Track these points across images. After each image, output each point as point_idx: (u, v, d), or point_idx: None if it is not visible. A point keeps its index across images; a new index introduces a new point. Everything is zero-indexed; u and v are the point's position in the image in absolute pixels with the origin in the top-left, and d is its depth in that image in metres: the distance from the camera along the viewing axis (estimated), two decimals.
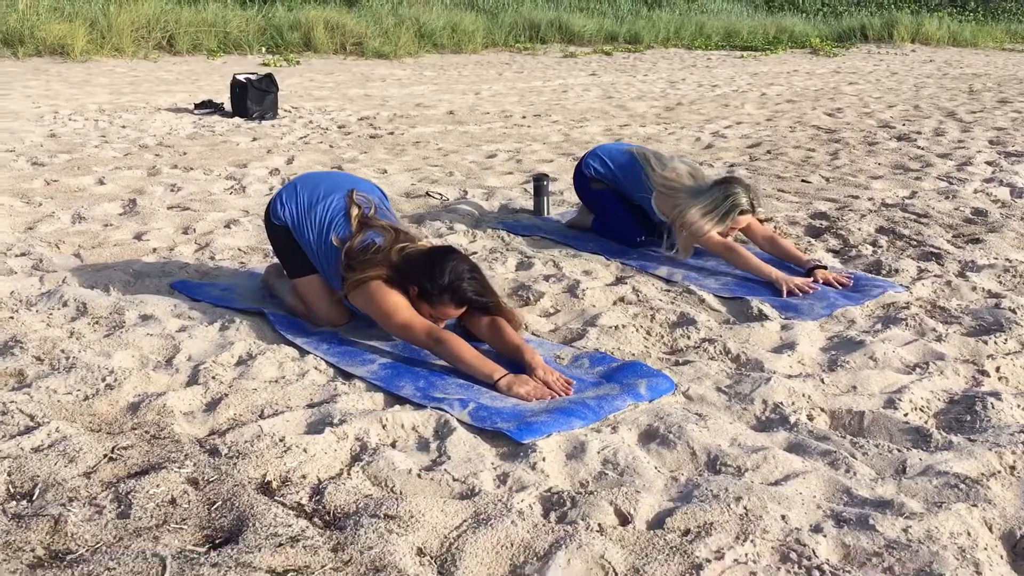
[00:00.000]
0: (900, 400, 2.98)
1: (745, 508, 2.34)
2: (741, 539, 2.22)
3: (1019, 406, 2.94)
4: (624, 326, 3.59)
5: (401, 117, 9.44)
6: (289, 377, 3.10)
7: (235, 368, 3.14)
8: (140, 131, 8.26)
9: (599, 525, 2.26)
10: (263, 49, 17.49)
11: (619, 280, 4.17)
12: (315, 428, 2.69)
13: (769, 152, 7.54)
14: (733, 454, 2.63)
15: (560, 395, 2.96)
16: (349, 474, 2.47)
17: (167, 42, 17.13)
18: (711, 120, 9.46)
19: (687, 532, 2.26)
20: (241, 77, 9.25)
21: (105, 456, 2.49)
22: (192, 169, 6.54)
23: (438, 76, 14.42)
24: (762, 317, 3.75)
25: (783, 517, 2.32)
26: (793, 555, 2.17)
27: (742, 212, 4.18)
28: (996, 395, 2.99)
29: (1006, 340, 3.46)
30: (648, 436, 2.76)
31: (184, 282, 3.99)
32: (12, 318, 3.54)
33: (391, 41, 18.27)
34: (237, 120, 9.03)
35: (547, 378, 3.00)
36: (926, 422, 2.90)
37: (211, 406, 2.85)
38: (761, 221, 4.48)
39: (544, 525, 2.26)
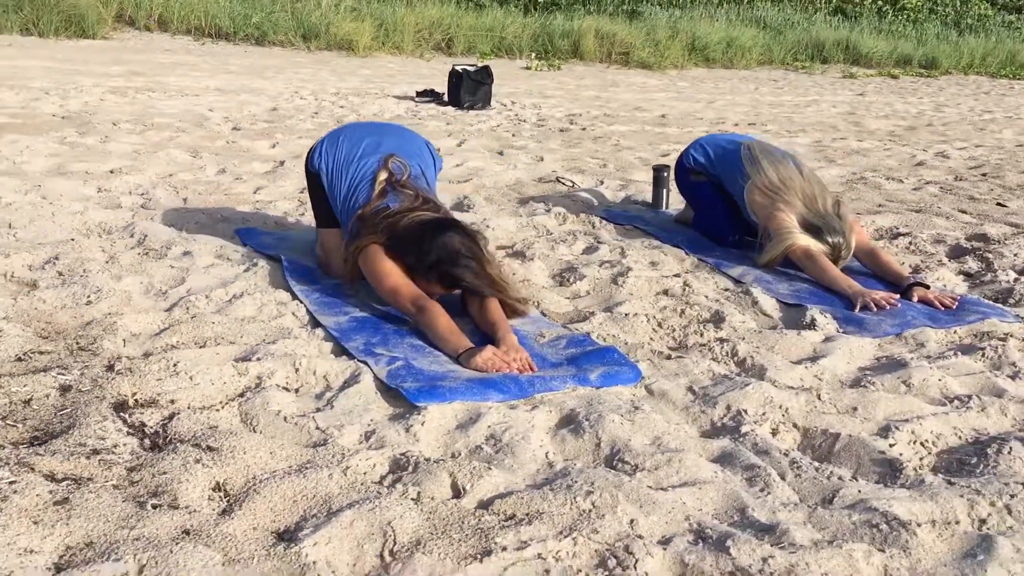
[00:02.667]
0: (898, 430, 2.49)
1: (593, 504, 2.03)
2: (563, 535, 1.92)
3: None
4: (637, 315, 3.26)
5: (608, 116, 9.29)
6: (260, 318, 3.07)
7: (218, 303, 3.17)
8: (351, 111, 8.67)
9: (418, 494, 2.04)
10: (532, 54, 17.88)
11: (679, 274, 3.81)
12: (226, 363, 2.64)
13: (984, 174, 6.68)
14: (641, 452, 2.30)
15: (521, 371, 2.73)
16: (221, 408, 2.40)
17: (445, 44, 17.94)
18: (947, 141, 8.54)
19: (511, 517, 1.99)
20: (459, 68, 9.48)
21: (16, 356, 2.57)
22: None
23: (690, 87, 14.11)
24: (811, 326, 3.29)
25: (632, 522, 1.99)
26: (612, 562, 1.85)
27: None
28: None
29: None
30: (564, 421, 2.47)
31: (248, 229, 4.10)
32: (73, 240, 3.78)
33: (659, 52, 18.13)
34: (448, 108, 9.26)
35: (508, 355, 2.78)
36: (917, 457, 2.40)
37: (160, 333, 2.88)
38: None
39: (360, 485, 2.07)
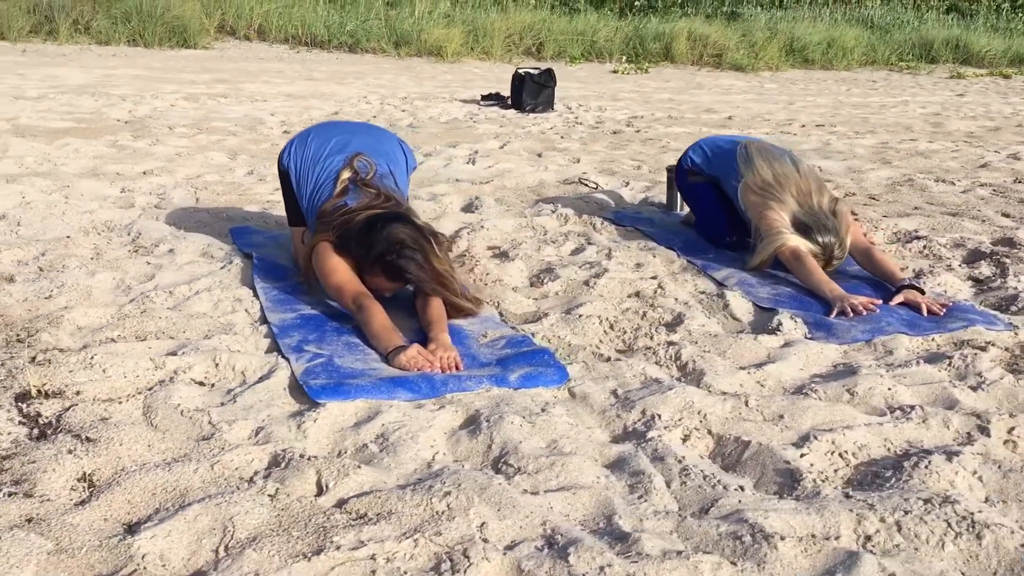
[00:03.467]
0: (818, 439, 2.36)
1: (447, 506, 1.99)
2: (406, 536, 1.88)
3: (974, 474, 2.22)
4: (592, 316, 3.19)
5: (671, 119, 9.14)
6: (211, 314, 3.12)
7: (177, 299, 3.23)
8: (410, 115, 8.75)
9: (276, 490, 2.03)
10: (622, 58, 17.75)
11: (655, 276, 3.70)
12: (146, 357, 2.68)
13: None
14: (528, 455, 2.24)
15: (444, 370, 2.70)
16: (125, 401, 2.44)
17: (536, 48, 17.97)
18: None
19: (360, 516, 1.96)
20: (521, 71, 9.47)
21: None
22: (415, 146, 6.79)
23: (778, 88, 13.78)
24: (776, 331, 3.16)
25: (482, 525, 1.94)
26: (446, 565, 1.81)
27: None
28: (955, 454, 2.27)
29: None
30: (467, 422, 2.43)
31: (241, 228, 4.17)
32: (69, 237, 3.92)
33: (754, 54, 17.78)
34: (509, 111, 9.26)
35: (435, 355, 2.74)
36: (831, 469, 2.27)
37: (105, 327, 2.94)
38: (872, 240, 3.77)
39: (224, 480, 2.07)
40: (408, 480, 2.13)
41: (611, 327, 3.14)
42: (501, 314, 3.28)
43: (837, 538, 1.95)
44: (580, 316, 3.18)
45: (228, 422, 2.34)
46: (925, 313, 3.30)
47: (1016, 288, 3.63)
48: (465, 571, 1.78)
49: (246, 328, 3.00)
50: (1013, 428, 2.47)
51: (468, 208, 4.81)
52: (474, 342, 2.95)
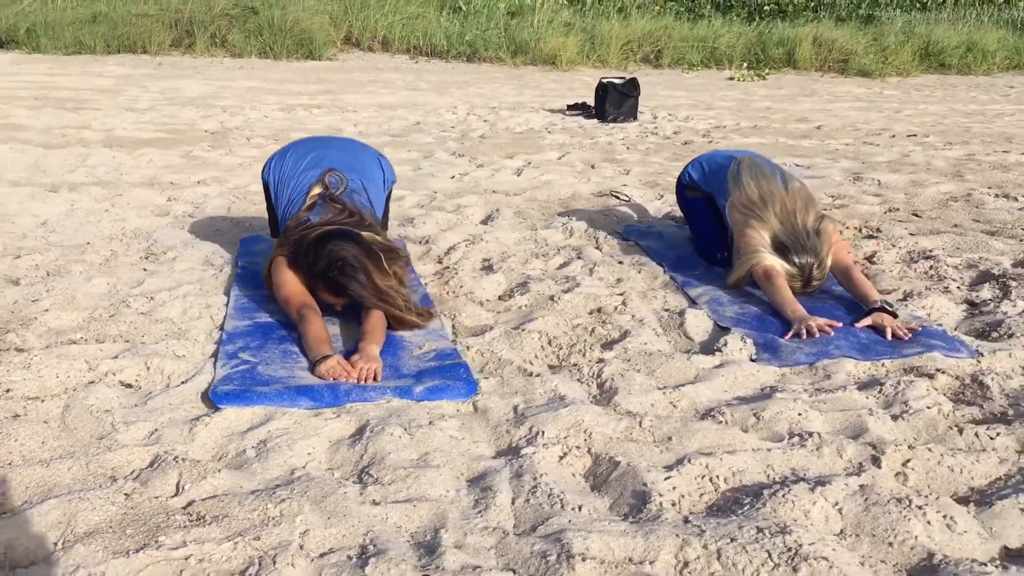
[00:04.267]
0: (691, 463, 2.34)
1: (280, 512, 2.09)
2: (228, 539, 1.99)
3: (835, 505, 2.17)
4: (534, 332, 3.22)
5: (755, 128, 8.95)
6: (175, 319, 3.30)
7: (152, 305, 3.42)
8: (490, 125, 8.89)
9: (133, 489, 2.18)
10: (743, 64, 17.43)
11: (623, 292, 3.69)
12: (85, 359, 2.87)
13: None
14: (393, 466, 2.31)
15: (358, 381, 2.79)
16: (47, 400, 2.63)
17: (654, 55, 17.87)
18: None
19: (199, 518, 2.08)
20: (604, 80, 9.46)
21: None
22: (462, 156, 6.93)
23: (898, 94, 13.31)
24: (718, 351, 3.13)
25: (304, 532, 2.03)
26: (253, 568, 1.92)
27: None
28: (823, 484, 2.23)
29: (997, 435, 2.53)
30: (355, 432, 2.52)
31: (252, 237, 4.37)
32: (89, 243, 4.21)
33: (884, 59, 17.16)
34: (590, 121, 9.28)
35: (355, 365, 2.85)
36: (697, 493, 2.26)
37: (71, 329, 3.16)
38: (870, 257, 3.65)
39: (92, 478, 2.23)
40: (263, 486, 2.23)
41: (549, 343, 3.17)
42: (454, 327, 3.36)
43: (652, 562, 1.95)
44: (524, 331, 3.22)
45: (128, 423, 2.50)
46: (889, 336, 3.20)
47: (1006, 313, 3.47)
48: (268, 575, 1.88)
49: (201, 335, 3.17)
50: (909, 460, 2.40)
51: (486, 220, 4.89)
52: (407, 354, 3.03)
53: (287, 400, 2.63)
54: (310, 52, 16.64)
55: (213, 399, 2.61)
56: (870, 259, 4.20)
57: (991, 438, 2.54)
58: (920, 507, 2.14)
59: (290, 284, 3.20)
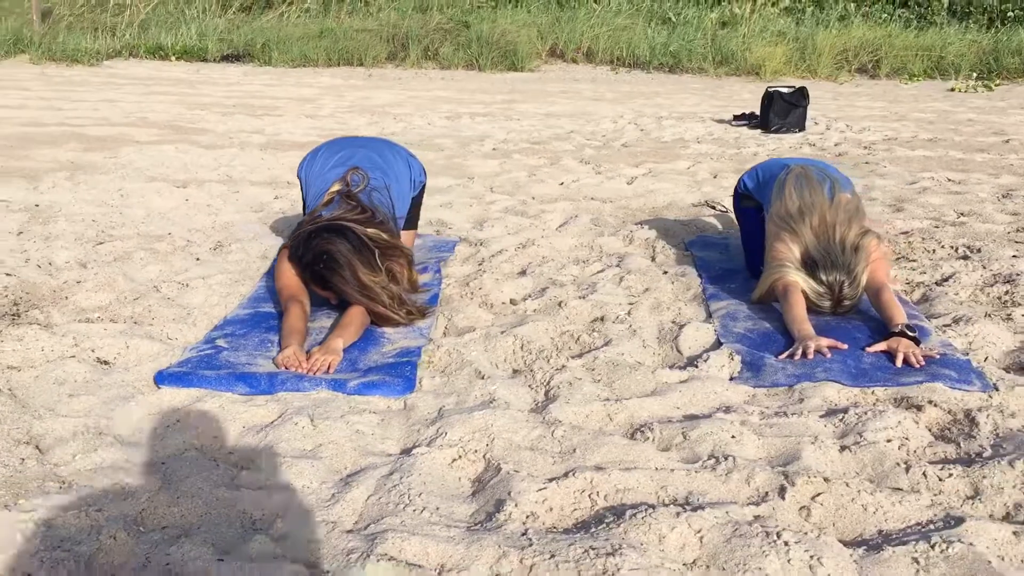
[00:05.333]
0: (575, 476, 2.25)
1: (135, 487, 2.19)
2: (75, 508, 2.10)
3: (697, 532, 2.01)
4: (512, 337, 3.15)
5: (930, 142, 8.30)
6: (193, 306, 3.47)
7: (181, 291, 3.61)
8: (645, 134, 8.74)
9: (32, 454, 2.33)
10: (973, 74, 16.20)
11: (640, 303, 3.54)
12: (87, 336, 3.08)
13: None
14: (276, 455, 2.36)
15: (309, 372, 2.85)
16: (23, 370, 2.83)
17: (872, 65, 16.97)
18: None
19: (66, 486, 2.21)
20: (771, 89, 9.05)
21: None
22: (587, 163, 6.85)
23: None
24: (693, 366, 2.95)
25: (145, 509, 2.11)
26: (81, 536, 2.02)
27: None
28: (696, 510, 2.07)
29: (950, 476, 2.26)
30: (272, 420, 2.56)
31: None
32: (170, 234, 4.50)
33: None
34: (751, 131, 8.93)
35: (312, 356, 2.91)
36: (568, 509, 2.17)
37: (96, 309, 3.40)
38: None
39: (2, 443, 2.41)
40: (143, 462, 2.33)
41: (522, 348, 3.10)
42: (446, 328, 3.35)
43: (463, 571, 1.90)
44: (506, 335, 3.17)
45: (74, 396, 2.67)
46: (899, 363, 2.90)
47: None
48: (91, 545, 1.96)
49: (204, 320, 3.33)
50: (820, 494, 2.19)
51: (562, 225, 4.82)
52: (376, 350, 3.05)
53: (224, 385, 2.71)
54: (513, 64, 16.98)
55: (156, 379, 2.73)
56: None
57: (940, 479, 2.27)
58: (787, 544, 1.95)
59: (286, 276, 3.30)
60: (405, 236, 3.78)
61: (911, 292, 3.73)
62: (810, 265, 3.31)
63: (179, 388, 2.71)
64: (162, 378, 2.74)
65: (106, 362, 2.96)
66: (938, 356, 2.95)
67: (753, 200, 3.89)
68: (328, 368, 2.85)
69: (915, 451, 2.45)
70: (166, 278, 3.78)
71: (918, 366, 2.88)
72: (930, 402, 2.66)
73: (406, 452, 2.40)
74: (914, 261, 4.11)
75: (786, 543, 1.95)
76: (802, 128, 8.97)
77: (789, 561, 1.90)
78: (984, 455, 2.39)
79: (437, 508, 2.14)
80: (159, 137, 7.68)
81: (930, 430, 2.56)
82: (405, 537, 1.96)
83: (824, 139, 8.45)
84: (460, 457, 2.38)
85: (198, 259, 4.07)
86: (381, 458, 2.36)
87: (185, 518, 2.07)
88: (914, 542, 1.97)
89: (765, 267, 3.44)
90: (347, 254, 3.18)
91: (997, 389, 2.75)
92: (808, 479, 2.21)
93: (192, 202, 5.24)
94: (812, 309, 3.36)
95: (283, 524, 2.05)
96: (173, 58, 16.45)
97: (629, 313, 3.41)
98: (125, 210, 4.98)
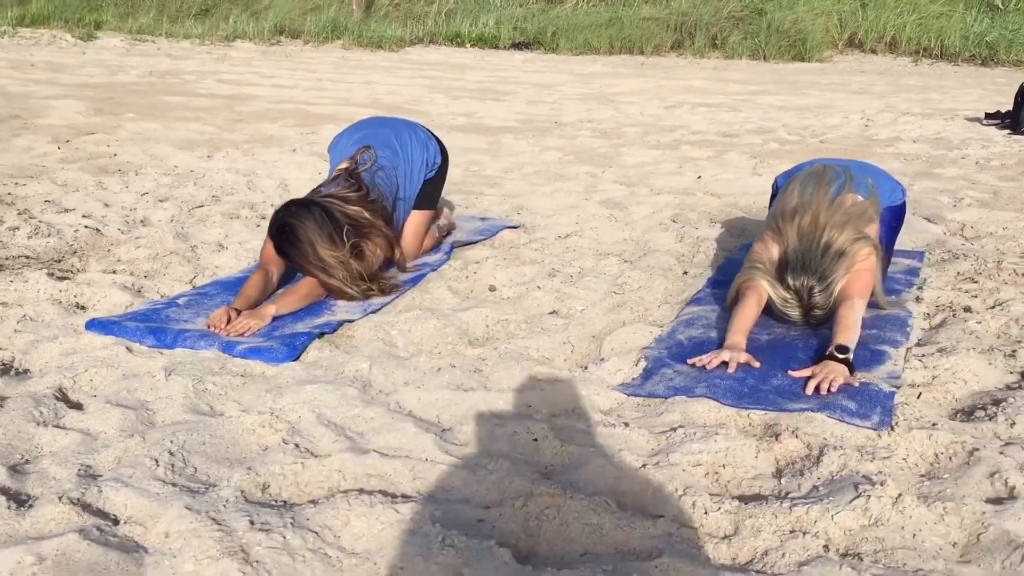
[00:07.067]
0: (336, 457, 2.27)
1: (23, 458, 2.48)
2: None
3: (377, 519, 1.99)
4: (447, 320, 3.15)
5: None
6: (207, 268, 3.78)
7: (213, 253, 3.94)
8: (856, 129, 8.09)
9: None
10: None
11: (608, 302, 3.37)
12: (82, 283, 3.46)
13: None
14: (107, 402, 2.56)
15: (227, 333, 3.03)
16: (10, 307, 3.27)
17: None
18: None
19: None
20: None
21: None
22: (755, 158, 6.48)
23: None
24: (583, 368, 2.82)
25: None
26: None
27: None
28: (401, 500, 2.04)
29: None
30: (148, 371, 2.77)
31: None
32: (264, 202, 4.86)
33: None
34: (1000, 131, 7.95)
35: (237, 318, 3.09)
36: (318, 485, 2.21)
37: (128, 261, 3.80)
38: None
39: None
40: (9, 395, 2.61)
41: (441, 332, 3.09)
42: (404, 307, 3.40)
43: (142, 524, 1.99)
44: (435, 318, 3.18)
45: (19, 333, 3.02)
46: (808, 389, 2.61)
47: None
48: None
49: (202, 280, 3.62)
50: (549, 508, 2.06)
51: (637, 220, 4.66)
52: (308, 320, 3.17)
53: (137, 336, 2.97)
54: (800, 53, 16.22)
55: (86, 325, 3.03)
56: None
57: (706, 512, 2.07)
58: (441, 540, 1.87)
59: (266, 247, 3.50)
60: (417, 216, 3.86)
61: (933, 316, 3.26)
62: (781, 267, 3.02)
63: (101, 335, 2.98)
64: (90, 324, 3.03)
65: (83, 307, 3.31)
66: (857, 385, 2.60)
67: None
68: (247, 331, 3.01)
69: (727, 481, 2.21)
70: (213, 240, 4.12)
71: (824, 393, 2.56)
72: (794, 432, 2.38)
73: (222, 414, 2.50)
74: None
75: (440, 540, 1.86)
76: None
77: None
78: (791, 495, 2.12)
79: (190, 467, 2.23)
80: (367, 116, 8.20)
81: (757, 459, 2.29)
82: (116, 487, 2.08)
83: None
84: (265, 425, 2.45)
85: (258, 226, 4.38)
86: (194, 416, 2.49)
87: None
88: (592, 565, 1.82)
89: (741, 268, 3.17)
90: (309, 227, 3.31)
91: (892, 429, 2.38)
92: (552, 494, 2.07)
93: (320, 177, 5.60)
94: (781, 319, 3.08)
95: (47, 461, 2.23)
96: (468, 45, 17.28)
97: (583, 310, 3.28)
98: (256, 180, 5.43)
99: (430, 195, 3.95)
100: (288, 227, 3.34)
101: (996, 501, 2.08)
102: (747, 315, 2.96)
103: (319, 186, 3.70)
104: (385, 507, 2.01)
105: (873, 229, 3.16)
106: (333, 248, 3.32)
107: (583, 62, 15.06)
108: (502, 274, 3.71)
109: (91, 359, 2.81)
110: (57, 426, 2.42)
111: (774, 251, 3.10)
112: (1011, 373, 2.77)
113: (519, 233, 4.34)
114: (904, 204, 3.57)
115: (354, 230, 3.41)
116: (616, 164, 6.21)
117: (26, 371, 2.79)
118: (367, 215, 3.50)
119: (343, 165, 3.73)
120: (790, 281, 2.99)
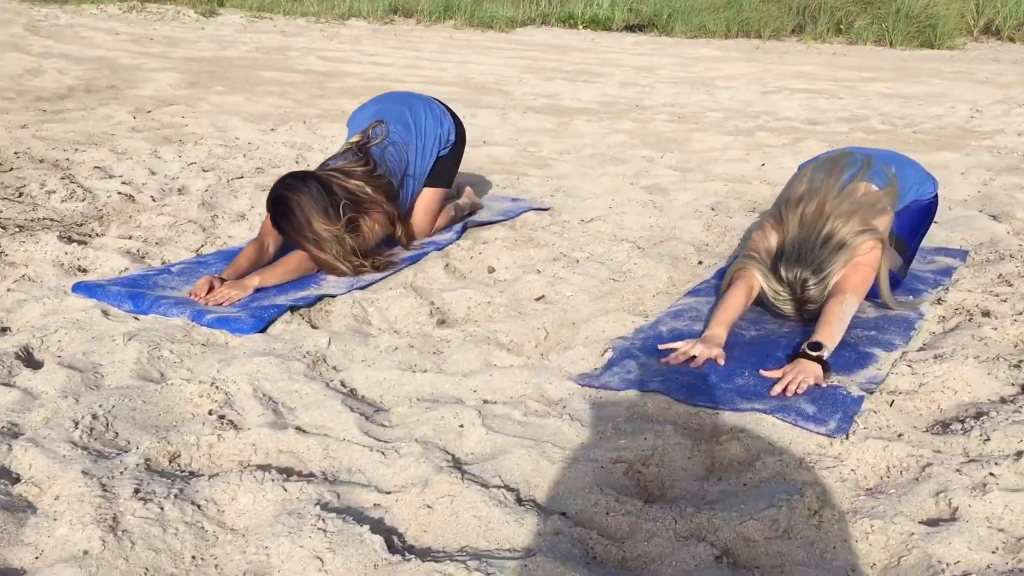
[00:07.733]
0: (257, 431, 2.25)
1: None
2: None
3: (264, 497, 1.96)
4: (428, 298, 3.08)
5: None
6: (219, 237, 3.81)
7: (231, 224, 3.98)
8: (969, 120, 7.60)
9: None
10: None
11: (599, 291, 3.24)
12: (92, 247, 3.53)
13: None
14: (66, 363, 2.60)
15: (205, 302, 3.04)
16: (18, 267, 3.36)
17: None
18: None
19: None
20: None
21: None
22: (827, 145, 6.16)
23: None
24: (554, 356, 2.71)
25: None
26: None
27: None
28: (306, 481, 2.00)
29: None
30: (114, 335, 2.79)
31: None
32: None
33: None
34: None
35: (216, 288, 3.09)
36: (240, 458, 2.19)
37: (146, 228, 3.87)
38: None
39: None
40: None
41: (417, 310, 3.03)
42: (393, 285, 3.34)
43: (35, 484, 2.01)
44: (416, 296, 3.12)
45: (13, 291, 3.10)
46: (776, 390, 2.45)
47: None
48: None
49: (209, 248, 3.66)
50: (444, 498, 1.98)
51: (672, 206, 4.48)
52: (292, 292, 3.16)
53: (117, 301, 3.01)
54: (928, 40, 15.44)
55: (72, 288, 3.09)
56: None
57: (607, 514, 1.94)
58: (328, 532, 1.82)
59: (266, 219, 3.49)
60: (429, 193, 3.80)
61: (948, 319, 3.01)
62: (776, 258, 2.84)
63: (85, 297, 3.03)
64: (76, 287, 3.09)
65: (85, 271, 3.38)
66: (824, 387, 2.42)
67: None
68: (225, 302, 3.02)
69: (649, 481, 2.12)
70: (236, 211, 4.16)
71: (789, 394, 2.39)
72: (738, 435, 2.22)
73: (166, 381, 2.50)
74: None
75: (325, 532, 1.80)
76: None
77: (266, 550, 1.77)
78: (706, 500, 1.98)
79: (107, 432, 2.23)
80: (449, 95, 8.17)
81: (704, 464, 2.14)
82: (25, 447, 2.10)
83: None
84: (205, 395, 2.44)
85: None
86: (139, 381, 2.50)
87: None
88: (461, 559, 1.73)
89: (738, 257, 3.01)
90: (303, 200, 3.29)
91: (847, 437, 2.20)
92: (450, 483, 1.98)
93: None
94: (775, 313, 2.90)
95: None
96: (580, 26, 17.08)
97: (571, 296, 3.16)
98: (307, 154, 5.46)
99: (444, 172, 3.88)
100: (283, 199, 3.32)
101: (932, 523, 1.90)
102: (732, 306, 2.79)
103: (328, 159, 3.68)
104: (275, 485, 1.97)
105: (884, 221, 2.94)
106: (328, 222, 3.29)
107: (695, 45, 14.67)
108: (507, 256, 3.62)
109: (66, 320, 2.85)
110: (5, 384, 2.45)
111: (772, 240, 2.92)
112: (1011, 385, 2.53)
113: (543, 215, 4.23)
114: (935, 198, 3.31)
115: (352, 205, 3.38)
116: (680, 149, 6.00)
117: (5, 329, 2.85)
118: (368, 190, 3.46)
119: (354, 139, 3.70)
120: (783, 273, 2.80)
